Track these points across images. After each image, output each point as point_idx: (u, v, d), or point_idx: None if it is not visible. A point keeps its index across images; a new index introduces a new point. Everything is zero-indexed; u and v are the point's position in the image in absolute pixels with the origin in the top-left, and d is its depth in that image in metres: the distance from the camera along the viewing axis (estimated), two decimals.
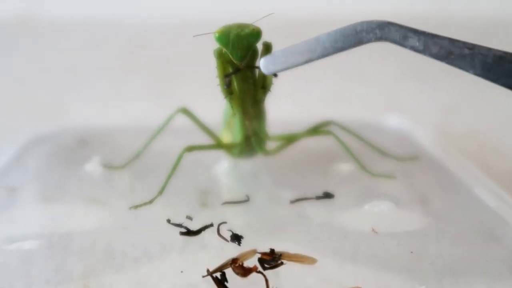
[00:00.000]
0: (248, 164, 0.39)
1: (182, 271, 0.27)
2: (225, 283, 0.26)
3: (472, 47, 0.24)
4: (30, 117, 0.57)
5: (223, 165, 0.39)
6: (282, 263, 0.27)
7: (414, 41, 0.25)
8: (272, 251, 0.28)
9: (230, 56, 0.31)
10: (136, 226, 0.31)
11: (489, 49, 0.24)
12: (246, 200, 0.34)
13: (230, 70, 0.32)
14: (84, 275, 0.27)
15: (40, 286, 0.26)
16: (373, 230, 0.30)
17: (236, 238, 0.29)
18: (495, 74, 0.24)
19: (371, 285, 0.26)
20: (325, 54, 0.27)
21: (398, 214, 0.32)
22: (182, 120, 0.38)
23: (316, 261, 0.27)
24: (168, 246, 0.29)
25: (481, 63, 0.24)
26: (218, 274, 0.26)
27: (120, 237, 0.30)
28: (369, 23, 0.26)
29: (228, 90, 0.32)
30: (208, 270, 0.27)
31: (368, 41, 0.26)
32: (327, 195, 0.34)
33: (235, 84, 0.33)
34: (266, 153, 0.37)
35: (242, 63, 0.32)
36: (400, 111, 0.55)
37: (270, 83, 0.33)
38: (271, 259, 0.27)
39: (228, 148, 0.36)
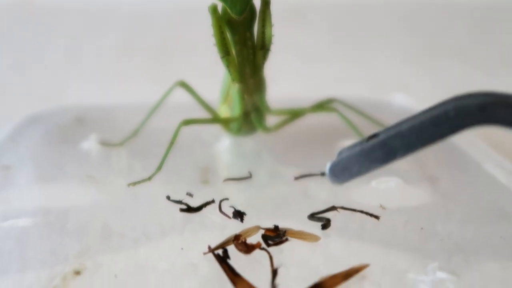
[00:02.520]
0: (249, 141, 0.38)
1: (182, 248, 0.26)
2: (227, 260, 0.25)
3: None
4: (27, 97, 0.56)
5: (223, 143, 0.37)
6: (286, 240, 0.26)
7: None
8: (276, 227, 0.27)
9: (229, 10, 0.30)
10: (134, 204, 0.30)
11: None
12: (249, 176, 0.33)
13: (226, 27, 0.30)
14: (81, 255, 0.26)
15: (36, 267, 0.25)
16: (381, 206, 0.29)
17: (239, 215, 0.28)
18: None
19: (379, 263, 0.25)
20: (408, 152, 0.21)
21: (406, 191, 0.31)
22: (180, 97, 0.37)
23: (319, 239, 0.26)
24: (168, 225, 0.28)
25: None
26: (220, 252, 0.25)
27: (117, 216, 0.29)
28: (466, 105, 0.19)
29: (225, 49, 0.31)
30: (209, 247, 0.26)
31: (468, 128, 0.19)
32: None
33: (232, 47, 0.31)
34: (267, 129, 0.35)
35: (241, 17, 0.30)
36: (407, 92, 0.54)
37: (270, 42, 0.32)
38: (275, 236, 0.26)
39: (227, 122, 0.35)
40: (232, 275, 0.24)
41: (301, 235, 0.26)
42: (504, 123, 0.19)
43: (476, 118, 0.19)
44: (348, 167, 0.24)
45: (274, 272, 0.24)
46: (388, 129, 0.22)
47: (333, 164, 0.24)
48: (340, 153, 0.25)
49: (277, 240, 0.26)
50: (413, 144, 0.21)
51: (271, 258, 0.25)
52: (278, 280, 0.24)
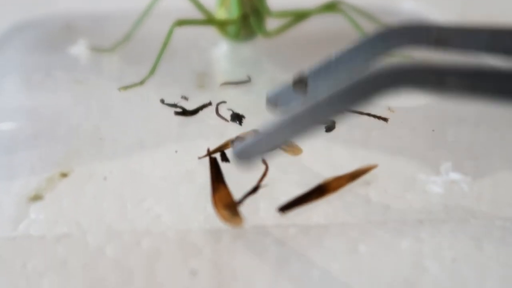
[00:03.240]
0: (248, 47, 0.35)
1: (176, 151, 0.25)
2: (222, 165, 0.23)
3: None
4: (15, 3, 0.53)
5: (221, 48, 0.35)
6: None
7: (456, 81, 0.17)
8: None
9: None
10: (126, 109, 0.28)
11: None
12: (248, 80, 0.31)
13: None
14: (69, 159, 0.24)
15: (24, 172, 0.24)
16: (389, 108, 0.27)
17: (237, 118, 0.27)
18: None
19: (387, 166, 0.24)
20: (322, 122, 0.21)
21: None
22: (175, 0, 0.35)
23: (301, 152, 0.24)
24: (163, 130, 0.26)
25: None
26: (217, 155, 0.24)
27: (109, 122, 0.27)
28: (378, 74, 0.18)
29: None
30: (208, 150, 0.24)
31: (384, 95, 0.18)
32: None
33: None
34: (267, 34, 0.33)
35: None
36: None
37: None
38: None
39: (224, 25, 0.33)
40: (215, 181, 0.23)
41: (285, 146, 0.25)
42: (415, 87, 0.17)
43: (391, 85, 0.18)
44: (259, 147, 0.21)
45: (255, 188, 0.22)
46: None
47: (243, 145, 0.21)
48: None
49: None
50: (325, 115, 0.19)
51: (267, 168, 0.23)
52: (272, 191, 0.22)
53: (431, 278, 0.19)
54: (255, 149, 0.20)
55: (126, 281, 0.19)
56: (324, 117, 0.19)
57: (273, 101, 0.23)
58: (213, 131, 0.26)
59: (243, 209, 0.21)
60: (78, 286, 0.19)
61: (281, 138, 0.20)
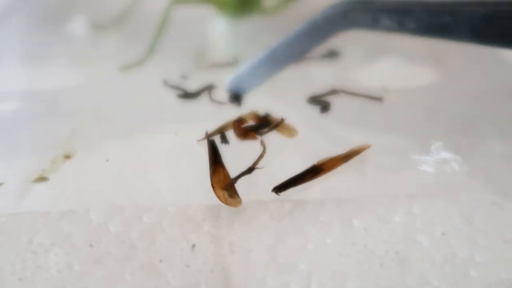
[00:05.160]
0: (247, 24, 0.35)
1: (176, 133, 0.25)
2: (221, 147, 0.24)
3: (453, 11, 0.20)
4: None
5: (219, 25, 0.35)
6: (275, 126, 0.25)
7: (386, 22, 0.21)
8: (265, 116, 0.26)
9: None
10: (126, 88, 0.29)
11: (473, 10, 0.20)
12: (234, 62, 0.31)
13: None
14: (71, 139, 0.25)
15: (25, 152, 0.24)
16: (384, 88, 0.28)
17: (236, 99, 0.27)
18: (487, 36, 0.20)
19: (380, 145, 0.24)
20: (293, 59, 0.25)
21: (411, 71, 0.29)
22: None
23: (297, 134, 0.25)
24: (163, 110, 0.27)
25: (468, 28, 0.20)
26: (216, 137, 0.25)
27: (110, 100, 0.28)
28: (330, 14, 0.22)
29: None
30: (206, 133, 0.25)
31: (336, 33, 0.23)
32: (332, 54, 0.31)
33: None
34: (265, 11, 0.33)
35: None
36: None
37: None
38: (259, 125, 0.25)
39: (220, 3, 0.33)
40: (213, 163, 0.23)
41: (281, 127, 0.25)
42: (364, 26, 0.22)
43: (340, 25, 0.23)
44: (246, 79, 0.27)
45: (250, 169, 0.23)
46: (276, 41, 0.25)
47: (233, 77, 0.27)
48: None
49: (262, 129, 0.25)
50: (295, 52, 0.25)
51: (264, 150, 0.24)
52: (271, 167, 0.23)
53: (422, 251, 0.19)
54: (245, 82, 0.26)
55: (128, 254, 0.19)
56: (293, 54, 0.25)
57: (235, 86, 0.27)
58: (213, 112, 0.27)
59: (240, 186, 0.22)
60: (83, 260, 0.19)
61: (265, 71, 0.25)
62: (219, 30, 0.35)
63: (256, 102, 0.27)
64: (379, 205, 0.21)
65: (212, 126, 0.25)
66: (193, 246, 0.20)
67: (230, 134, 0.25)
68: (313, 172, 0.23)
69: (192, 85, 0.28)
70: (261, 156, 0.23)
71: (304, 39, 0.24)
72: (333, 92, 0.28)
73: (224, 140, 0.24)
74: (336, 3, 0.23)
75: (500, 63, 0.30)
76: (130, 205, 0.21)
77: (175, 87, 0.28)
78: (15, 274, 0.19)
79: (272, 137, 0.25)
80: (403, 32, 0.21)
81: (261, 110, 0.26)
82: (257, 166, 0.23)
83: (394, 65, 0.30)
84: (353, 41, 0.32)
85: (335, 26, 0.23)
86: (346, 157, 0.23)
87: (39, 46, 0.33)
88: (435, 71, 0.29)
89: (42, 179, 0.23)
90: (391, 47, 0.31)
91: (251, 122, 0.25)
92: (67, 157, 0.24)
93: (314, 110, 0.27)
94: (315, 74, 0.30)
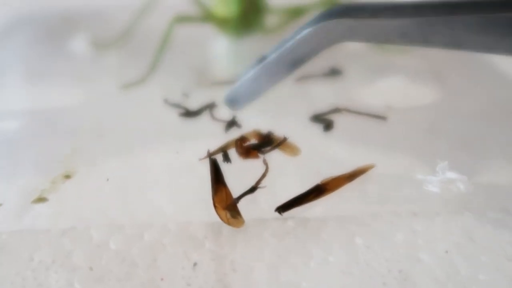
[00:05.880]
0: (248, 43, 0.36)
1: (178, 152, 0.25)
2: (223, 166, 0.24)
3: (433, 22, 0.20)
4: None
5: (221, 44, 0.36)
6: (277, 145, 0.25)
7: (366, 33, 0.21)
8: (268, 134, 0.26)
9: None
10: (127, 106, 0.29)
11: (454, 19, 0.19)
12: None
13: None
14: (71, 158, 0.25)
15: (26, 171, 0.24)
16: (387, 106, 0.28)
17: (232, 124, 0.27)
18: (470, 44, 0.20)
19: (384, 164, 0.24)
20: (287, 72, 0.23)
21: (413, 89, 0.30)
22: None
23: (300, 153, 0.25)
24: (165, 128, 0.27)
25: (448, 37, 0.20)
26: (218, 156, 0.24)
27: (111, 119, 0.28)
28: (312, 31, 0.21)
29: None
30: (208, 152, 0.25)
31: (328, 44, 0.22)
32: (334, 72, 0.31)
33: None
34: (266, 30, 0.33)
35: None
36: None
37: None
38: (262, 143, 0.25)
39: (223, 22, 0.33)
40: (215, 182, 0.23)
41: (284, 145, 0.25)
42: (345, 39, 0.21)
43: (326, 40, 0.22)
44: (244, 93, 0.25)
45: (252, 189, 0.23)
46: (272, 51, 0.24)
47: (229, 92, 0.25)
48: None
49: (265, 148, 0.25)
50: (287, 65, 0.23)
51: (267, 169, 0.24)
52: (272, 188, 0.23)
53: (424, 269, 0.19)
54: (241, 96, 0.25)
55: (129, 272, 0.19)
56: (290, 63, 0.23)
57: (231, 101, 0.26)
58: (215, 130, 0.27)
59: (242, 205, 0.22)
60: (84, 278, 0.19)
61: (260, 85, 0.24)
62: (220, 48, 0.35)
63: (259, 121, 0.27)
64: (381, 223, 0.21)
65: (213, 145, 0.25)
66: (195, 264, 0.20)
67: (232, 152, 0.25)
68: (317, 191, 0.23)
69: (193, 104, 0.29)
70: (263, 175, 0.23)
71: (295, 51, 0.23)
72: (336, 110, 0.28)
73: (226, 158, 0.24)
74: (320, 13, 0.22)
75: (502, 80, 0.30)
76: (131, 223, 0.21)
77: (176, 105, 0.28)
78: None
79: (274, 156, 0.25)
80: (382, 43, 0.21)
81: (264, 128, 0.26)
82: (259, 185, 0.23)
83: (397, 83, 0.30)
84: (355, 60, 0.32)
85: (322, 37, 0.22)
86: (350, 177, 0.23)
87: (40, 65, 0.33)
88: (438, 90, 0.30)
89: (41, 199, 0.23)
90: (393, 66, 0.32)
91: (253, 141, 0.25)
92: (67, 176, 0.24)
93: (317, 128, 0.27)
94: (318, 93, 0.30)
